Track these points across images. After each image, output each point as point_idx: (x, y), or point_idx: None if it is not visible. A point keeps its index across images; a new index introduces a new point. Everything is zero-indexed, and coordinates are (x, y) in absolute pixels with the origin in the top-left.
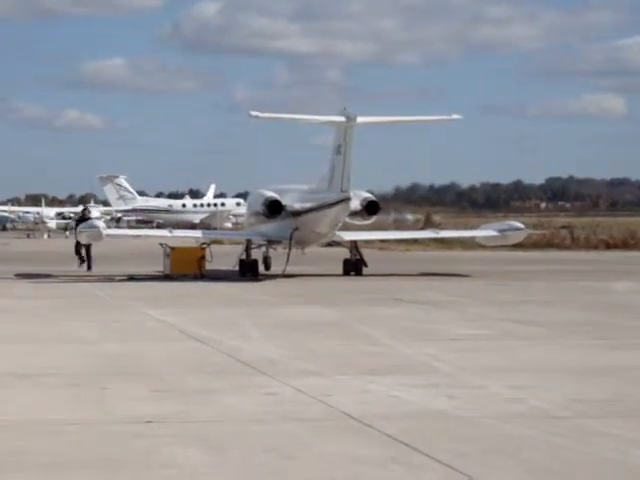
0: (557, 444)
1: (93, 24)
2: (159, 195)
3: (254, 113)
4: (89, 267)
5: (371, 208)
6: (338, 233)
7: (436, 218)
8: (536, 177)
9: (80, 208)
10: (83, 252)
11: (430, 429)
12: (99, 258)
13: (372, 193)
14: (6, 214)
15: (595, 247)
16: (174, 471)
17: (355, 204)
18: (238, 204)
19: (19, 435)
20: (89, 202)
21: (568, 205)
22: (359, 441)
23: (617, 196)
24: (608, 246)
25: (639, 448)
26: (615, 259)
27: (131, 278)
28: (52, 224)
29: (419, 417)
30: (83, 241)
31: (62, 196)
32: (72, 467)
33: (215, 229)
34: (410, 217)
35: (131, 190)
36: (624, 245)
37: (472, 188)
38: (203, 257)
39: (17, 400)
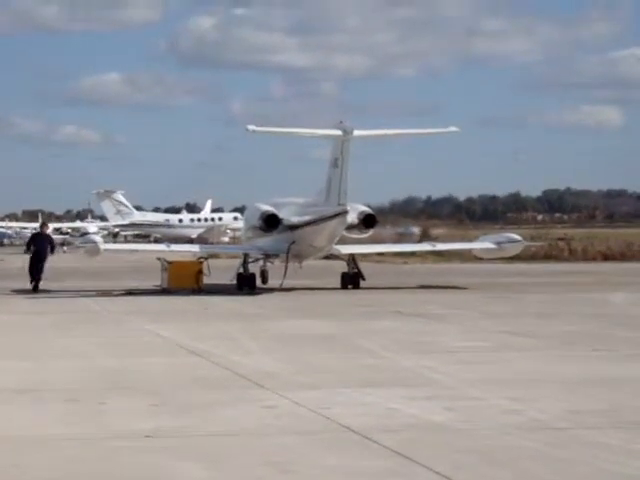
0: (555, 455)
1: (90, 40)
2: (156, 210)
3: (251, 127)
4: (36, 287)
5: (368, 221)
6: (335, 246)
7: (439, 231)
8: (533, 189)
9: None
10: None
11: (429, 441)
12: (97, 273)
13: (369, 206)
14: (3, 230)
15: (593, 259)
16: None
17: (352, 217)
18: (235, 218)
19: (17, 450)
20: (86, 217)
21: (565, 217)
22: (358, 453)
23: (614, 208)
24: (605, 258)
25: (637, 459)
26: (612, 270)
27: (129, 293)
28: None
29: (418, 429)
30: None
31: (59, 211)
32: None
33: (212, 243)
34: (416, 230)
35: (128, 205)
36: (621, 257)
37: (469, 200)
38: (201, 271)
39: (15, 415)
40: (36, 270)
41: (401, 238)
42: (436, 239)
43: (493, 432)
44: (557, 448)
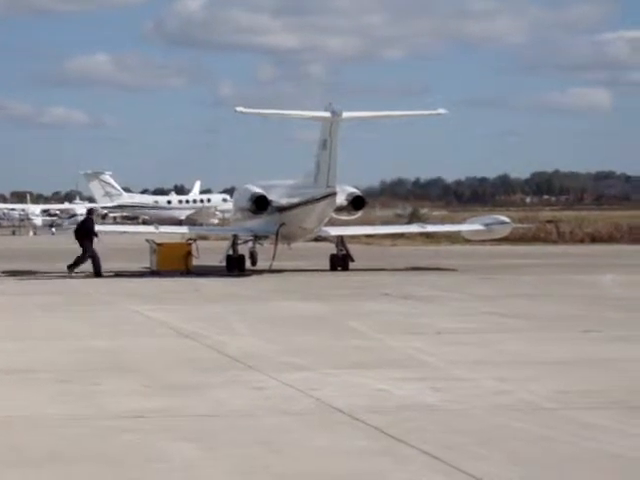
0: (544, 436)
1: (77, 20)
2: (144, 191)
3: (240, 109)
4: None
5: (357, 203)
6: (324, 228)
7: (440, 213)
8: (522, 171)
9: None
10: None
11: (418, 422)
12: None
13: (358, 188)
14: None
15: (581, 241)
16: (165, 465)
17: (341, 199)
18: (224, 200)
19: (10, 431)
20: (74, 199)
21: (553, 199)
22: (348, 434)
23: (602, 190)
24: (594, 240)
25: (626, 439)
26: (601, 252)
27: (118, 274)
28: (38, 221)
29: (407, 410)
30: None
31: (47, 193)
32: (65, 462)
33: (201, 225)
34: (400, 211)
35: (116, 186)
36: (610, 239)
37: (458, 182)
38: (190, 253)
39: (6, 396)
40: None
41: (399, 219)
42: (427, 220)
43: (483, 413)
44: (547, 428)
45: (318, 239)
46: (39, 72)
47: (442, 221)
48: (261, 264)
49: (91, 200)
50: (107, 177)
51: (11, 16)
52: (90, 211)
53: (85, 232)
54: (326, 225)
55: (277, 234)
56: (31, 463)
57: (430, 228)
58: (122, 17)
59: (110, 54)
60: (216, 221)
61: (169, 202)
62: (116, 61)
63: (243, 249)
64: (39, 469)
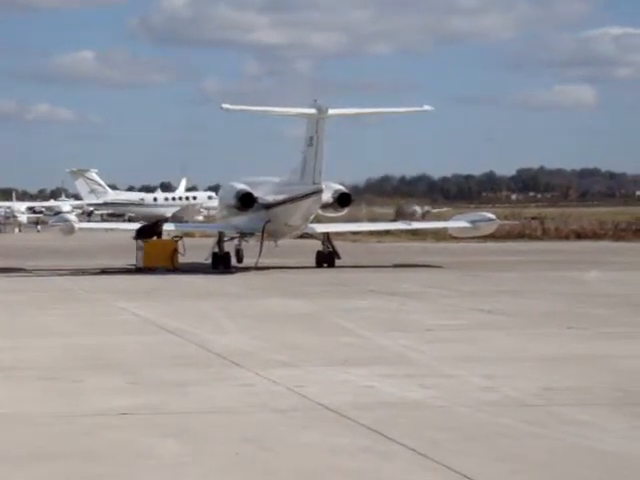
0: (529, 432)
1: (62, 17)
2: (130, 189)
3: (226, 106)
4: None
5: (343, 200)
6: (310, 225)
7: (445, 209)
8: (507, 168)
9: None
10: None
11: (404, 418)
12: (72, 252)
13: (344, 185)
14: None
15: (566, 237)
16: (154, 462)
17: (327, 196)
18: (210, 197)
19: None
20: (60, 196)
21: (539, 196)
22: (334, 431)
23: (587, 186)
24: (579, 236)
25: (610, 434)
26: (585, 249)
27: (103, 271)
28: (23, 218)
29: (394, 407)
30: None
31: (33, 190)
32: (51, 459)
33: (187, 222)
34: (418, 208)
35: (102, 184)
36: (594, 235)
37: (444, 179)
38: (176, 250)
39: None
40: None
41: (403, 216)
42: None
43: (468, 409)
44: (531, 425)
45: (304, 236)
46: (24, 69)
47: (447, 218)
48: (247, 261)
49: (77, 197)
50: (93, 174)
51: None
52: (158, 223)
53: (150, 235)
54: (312, 222)
55: (263, 231)
56: (15, 460)
57: (416, 225)
58: (107, 14)
59: (95, 51)
60: (202, 218)
61: (155, 199)
62: (102, 58)
63: (229, 246)
64: (24, 467)
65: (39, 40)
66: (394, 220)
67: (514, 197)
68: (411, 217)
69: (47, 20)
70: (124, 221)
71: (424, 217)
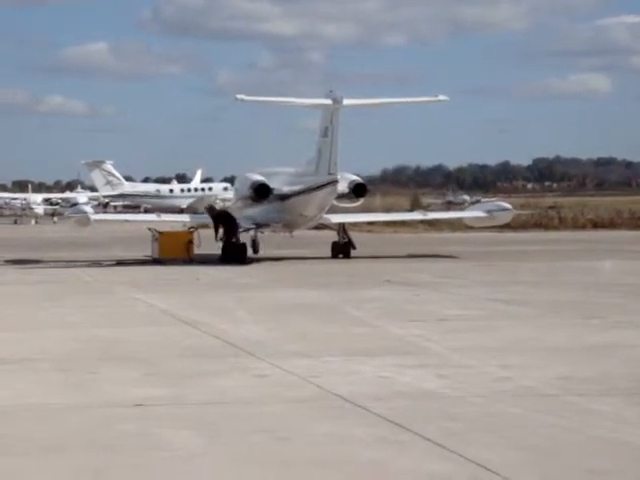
0: (545, 422)
1: (75, 9)
2: (146, 180)
3: (240, 96)
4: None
5: (358, 190)
6: (326, 216)
7: (486, 200)
8: (523, 158)
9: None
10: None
11: (420, 408)
12: (87, 243)
13: (359, 175)
14: None
15: (582, 227)
16: (168, 453)
17: (342, 187)
18: (225, 189)
19: (12, 420)
20: (76, 188)
21: (555, 185)
22: (350, 421)
23: (603, 176)
24: (595, 226)
25: (626, 425)
26: (602, 238)
27: (119, 263)
28: (39, 210)
29: (409, 397)
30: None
31: (49, 182)
32: (68, 450)
33: (203, 214)
34: (467, 197)
35: (118, 175)
36: (611, 224)
37: (459, 169)
38: (191, 241)
39: (9, 385)
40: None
41: (451, 206)
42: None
43: (484, 399)
44: (547, 415)
45: (320, 227)
46: (37, 61)
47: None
48: (263, 252)
49: (93, 189)
50: (108, 166)
51: (10, 5)
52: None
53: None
54: (327, 213)
55: (278, 222)
56: (32, 452)
57: (432, 215)
58: (120, 5)
59: (108, 42)
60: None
61: (171, 191)
62: (115, 50)
63: (245, 237)
64: (40, 458)
65: (52, 32)
66: (410, 210)
67: (530, 186)
68: (460, 206)
69: (60, 12)
70: (140, 213)
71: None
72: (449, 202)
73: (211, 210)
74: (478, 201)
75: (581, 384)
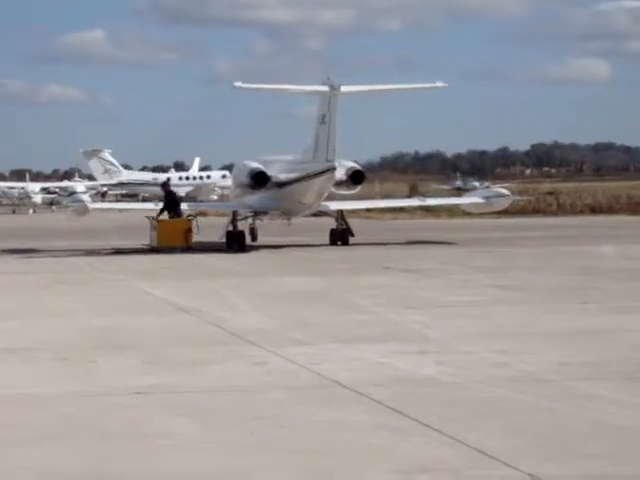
0: (544, 407)
1: None
2: (144, 168)
3: (238, 84)
4: None
5: (356, 177)
6: (324, 203)
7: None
8: (521, 143)
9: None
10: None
11: (419, 395)
12: (85, 232)
13: (357, 162)
14: None
15: (581, 212)
16: (168, 441)
17: (340, 174)
18: (223, 177)
19: (10, 408)
20: (74, 176)
21: (553, 171)
22: (349, 408)
23: (602, 161)
24: (593, 211)
25: (626, 409)
26: (600, 224)
27: (118, 252)
28: (37, 199)
29: (408, 383)
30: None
31: (47, 171)
32: (65, 438)
33: (201, 202)
34: (477, 184)
35: (116, 164)
36: (609, 210)
37: (458, 156)
38: (190, 229)
39: (8, 374)
40: None
41: (461, 193)
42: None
43: (483, 385)
44: (547, 400)
45: (318, 214)
46: (34, 49)
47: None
48: (261, 240)
49: (91, 178)
50: (106, 154)
51: None
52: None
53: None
54: (326, 200)
55: (276, 210)
56: (31, 440)
57: (430, 201)
58: None
59: (106, 30)
60: (215, 197)
61: (169, 179)
62: (112, 38)
63: (243, 225)
64: (39, 446)
65: (49, 20)
66: (408, 196)
67: (528, 172)
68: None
69: (57, 0)
70: (138, 201)
71: None
72: (458, 188)
73: (164, 186)
74: (488, 187)
75: (580, 369)
